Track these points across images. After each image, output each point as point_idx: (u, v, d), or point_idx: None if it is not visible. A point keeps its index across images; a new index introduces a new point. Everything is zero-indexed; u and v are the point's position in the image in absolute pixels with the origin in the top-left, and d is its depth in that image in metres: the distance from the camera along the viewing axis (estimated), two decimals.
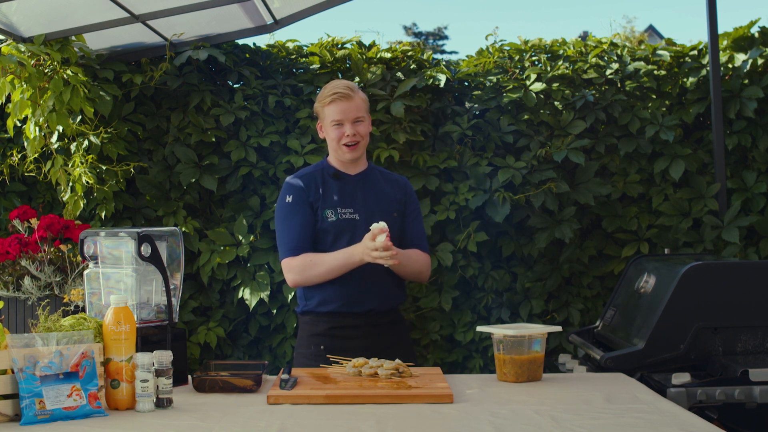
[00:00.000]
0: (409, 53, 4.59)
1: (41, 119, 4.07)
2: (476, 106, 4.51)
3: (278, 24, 4.47)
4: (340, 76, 4.56)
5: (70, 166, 4.20)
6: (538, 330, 2.49)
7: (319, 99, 2.93)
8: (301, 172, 3.01)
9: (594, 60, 4.55)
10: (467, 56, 4.75)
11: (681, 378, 2.66)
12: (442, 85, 4.38)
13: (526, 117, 4.46)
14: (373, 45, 4.64)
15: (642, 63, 4.56)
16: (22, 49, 4.06)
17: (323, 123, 2.94)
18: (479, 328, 2.62)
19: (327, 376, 2.46)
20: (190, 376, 2.44)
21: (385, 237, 2.67)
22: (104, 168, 4.21)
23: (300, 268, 2.84)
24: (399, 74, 4.48)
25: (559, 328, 2.63)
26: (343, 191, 2.93)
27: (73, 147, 4.24)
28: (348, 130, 2.87)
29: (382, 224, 2.69)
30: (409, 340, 3.09)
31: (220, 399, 2.25)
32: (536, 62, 4.64)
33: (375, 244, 2.68)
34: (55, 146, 4.26)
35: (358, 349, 2.76)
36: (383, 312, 2.92)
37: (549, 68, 4.53)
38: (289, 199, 2.91)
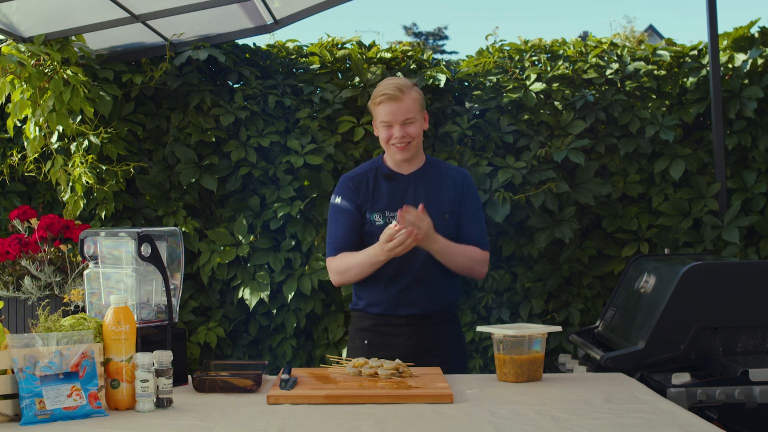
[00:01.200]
0: (409, 53, 4.59)
1: (41, 119, 4.07)
2: (476, 106, 4.51)
3: (278, 24, 4.47)
4: (340, 76, 4.56)
5: (70, 166, 4.20)
6: (538, 330, 2.49)
7: (372, 97, 2.90)
8: (354, 171, 3.01)
9: (594, 60, 4.55)
10: (467, 56, 4.75)
11: (681, 378, 2.66)
12: (442, 85, 4.38)
13: (526, 117, 4.46)
14: (373, 45, 4.64)
15: (642, 63, 4.56)
16: (22, 49, 4.06)
17: (375, 122, 2.92)
18: (479, 328, 2.62)
19: (327, 376, 2.46)
20: (190, 376, 2.44)
21: (394, 227, 2.67)
22: (104, 168, 4.21)
23: (337, 269, 2.91)
24: (399, 74, 4.48)
25: (559, 328, 2.63)
26: (394, 193, 2.91)
27: (73, 147, 4.24)
28: (396, 132, 2.84)
29: (392, 225, 2.70)
30: (459, 338, 3.05)
31: (220, 399, 2.25)
32: (536, 62, 4.64)
33: (389, 245, 2.68)
34: (55, 146, 4.26)
35: (401, 347, 2.83)
36: (428, 315, 2.91)
37: (549, 68, 4.53)
38: (337, 200, 2.95)
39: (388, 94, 2.82)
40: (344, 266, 2.89)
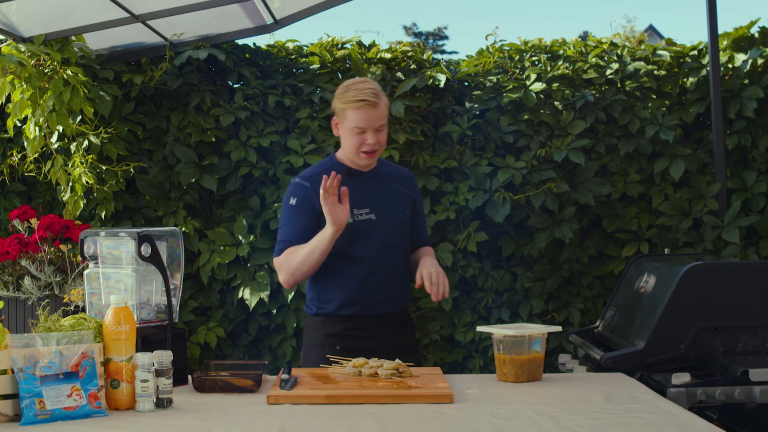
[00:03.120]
0: (409, 53, 4.59)
1: (41, 119, 4.07)
2: (476, 106, 4.51)
3: (278, 24, 4.47)
4: (340, 76, 4.56)
5: (70, 166, 4.20)
6: (538, 330, 2.49)
7: (341, 98, 2.78)
8: (307, 171, 2.89)
9: (594, 60, 4.55)
10: (467, 56, 4.75)
11: (681, 378, 2.66)
12: (442, 85, 4.38)
13: (526, 117, 4.46)
14: (373, 45, 4.64)
15: (642, 63, 4.56)
16: (22, 49, 4.06)
17: (343, 124, 2.79)
18: (479, 328, 2.62)
19: (327, 376, 2.46)
20: (190, 376, 2.44)
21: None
22: (104, 168, 4.21)
23: (286, 268, 2.77)
24: (399, 74, 4.48)
25: (559, 328, 2.63)
26: (356, 190, 2.80)
27: (73, 147, 4.24)
28: (370, 138, 2.76)
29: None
30: (415, 340, 3.08)
31: (220, 399, 2.25)
32: (536, 62, 4.64)
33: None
34: (55, 146, 4.26)
35: (367, 349, 2.73)
36: (394, 314, 2.91)
37: (549, 68, 4.53)
38: (293, 201, 2.82)
39: (368, 101, 2.71)
40: (294, 263, 2.74)
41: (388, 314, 2.88)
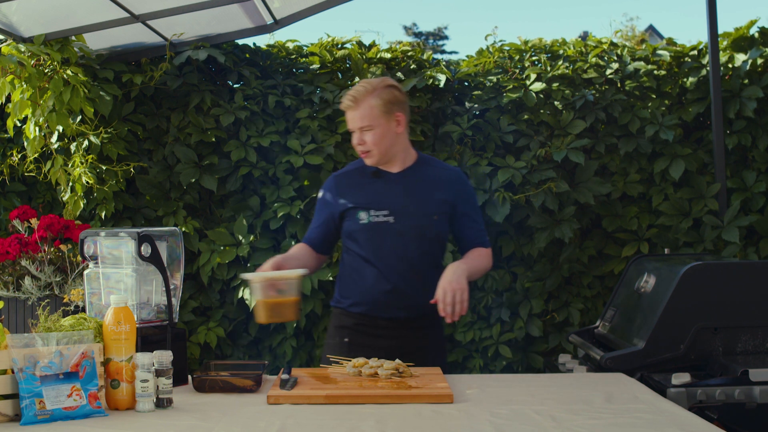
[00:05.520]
0: (409, 53, 4.59)
1: (41, 119, 4.07)
2: (476, 106, 4.51)
3: (278, 24, 4.47)
4: (340, 76, 4.56)
5: (70, 166, 4.20)
6: (289, 274, 2.54)
7: None
8: (344, 168, 2.99)
9: (594, 60, 4.55)
10: (467, 56, 4.75)
11: (681, 378, 2.66)
12: (442, 85, 4.38)
13: (526, 117, 4.46)
14: (373, 45, 4.64)
15: (642, 63, 4.56)
16: (22, 49, 4.06)
17: None
18: (242, 276, 2.66)
19: (327, 376, 2.46)
20: (190, 376, 2.44)
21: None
22: (104, 168, 4.21)
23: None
24: (399, 74, 4.48)
25: (303, 271, 2.59)
26: (379, 191, 2.82)
27: (73, 147, 4.24)
28: (354, 138, 2.80)
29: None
30: (441, 343, 2.97)
31: (220, 399, 2.25)
32: (536, 62, 4.64)
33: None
34: (55, 146, 4.26)
35: (383, 348, 2.73)
36: (412, 318, 2.84)
37: (549, 68, 4.53)
38: (320, 194, 2.95)
39: (345, 103, 2.79)
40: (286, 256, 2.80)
41: (398, 319, 2.82)
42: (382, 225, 2.79)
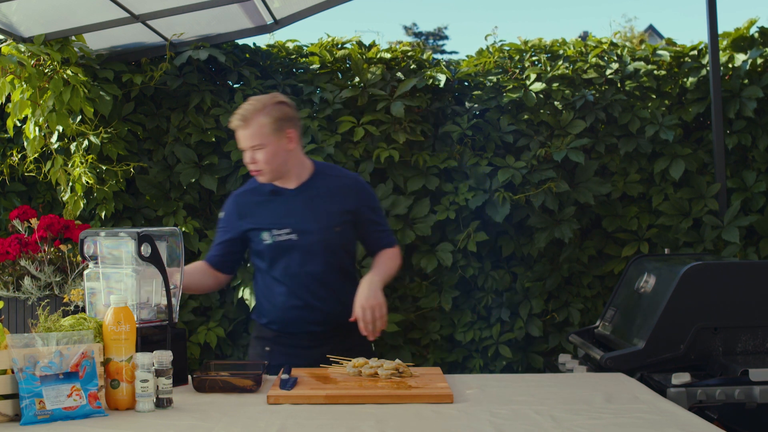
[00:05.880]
0: (409, 53, 4.59)
1: (41, 119, 4.07)
2: (476, 106, 4.51)
3: (278, 24, 4.47)
4: (340, 76, 4.56)
5: (70, 166, 4.20)
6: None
7: None
8: (243, 187, 2.97)
9: (594, 60, 4.55)
10: (467, 56, 4.75)
11: (681, 378, 2.66)
12: (442, 85, 4.38)
13: (526, 117, 4.46)
14: (373, 45, 4.64)
15: (642, 63, 4.56)
16: (22, 49, 4.06)
17: None
18: None
19: (327, 376, 2.46)
20: (190, 376, 2.44)
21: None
22: (104, 168, 4.21)
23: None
24: (399, 74, 4.48)
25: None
26: (279, 210, 2.81)
27: (73, 147, 4.24)
28: (246, 157, 2.78)
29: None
30: (367, 345, 2.87)
31: (220, 399, 2.25)
32: (536, 62, 4.64)
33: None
34: (55, 146, 4.26)
35: (306, 357, 2.73)
36: (328, 331, 2.82)
37: (549, 68, 4.53)
38: (221, 214, 2.94)
39: (234, 122, 2.76)
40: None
41: (317, 332, 2.81)
42: (286, 243, 2.78)
